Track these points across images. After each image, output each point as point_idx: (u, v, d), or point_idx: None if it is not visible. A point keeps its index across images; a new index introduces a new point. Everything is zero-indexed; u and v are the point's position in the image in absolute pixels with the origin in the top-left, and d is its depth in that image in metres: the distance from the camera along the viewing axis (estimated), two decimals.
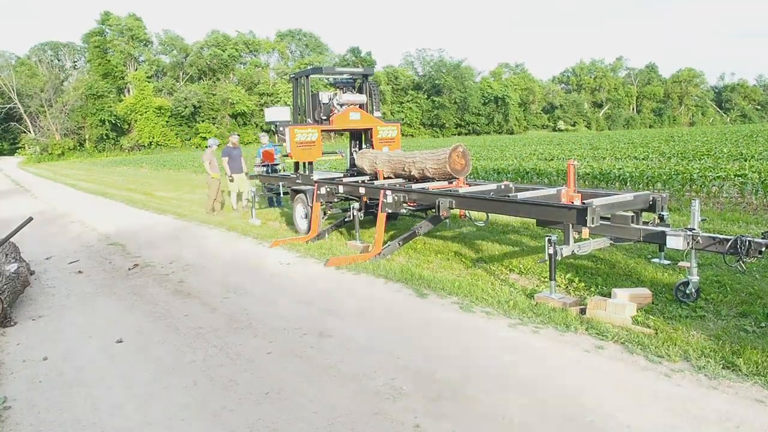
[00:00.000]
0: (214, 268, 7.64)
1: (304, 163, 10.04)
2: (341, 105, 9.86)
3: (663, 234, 5.15)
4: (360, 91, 10.27)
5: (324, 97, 9.83)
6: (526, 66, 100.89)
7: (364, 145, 10.29)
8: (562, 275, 6.13)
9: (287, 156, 9.93)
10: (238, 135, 14.45)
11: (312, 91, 9.90)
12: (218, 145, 13.22)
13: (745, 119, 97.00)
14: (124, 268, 7.84)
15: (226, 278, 7.03)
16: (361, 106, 10.05)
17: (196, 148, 63.77)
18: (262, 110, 71.21)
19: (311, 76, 9.95)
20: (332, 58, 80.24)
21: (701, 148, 21.35)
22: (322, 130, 9.70)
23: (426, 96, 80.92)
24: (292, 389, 3.92)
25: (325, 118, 9.76)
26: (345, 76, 10.25)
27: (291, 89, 10.50)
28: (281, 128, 9.66)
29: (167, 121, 66.86)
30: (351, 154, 10.52)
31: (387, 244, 7.65)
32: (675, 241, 5.01)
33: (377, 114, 10.10)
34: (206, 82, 70.71)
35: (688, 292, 5.08)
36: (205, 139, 65.41)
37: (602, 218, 5.55)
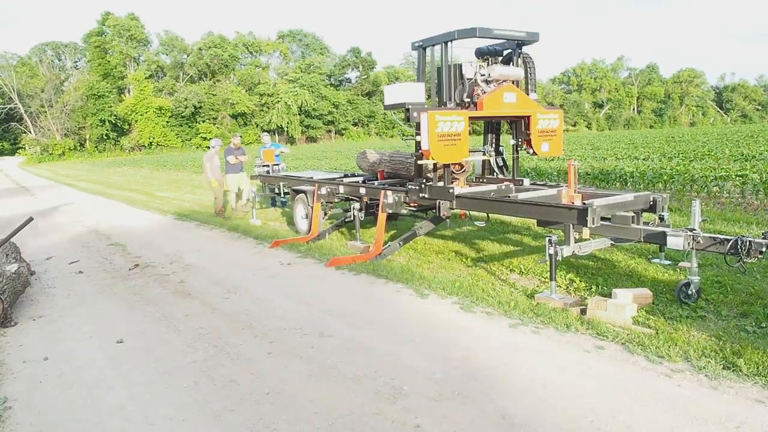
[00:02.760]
0: (214, 268, 7.64)
1: (435, 167, 7.21)
2: (488, 82, 7.04)
3: (663, 234, 5.16)
4: (509, 63, 7.38)
5: (468, 70, 7.00)
6: None
7: (516, 140, 7.43)
8: (563, 275, 6.13)
9: (421, 155, 6.93)
10: (240, 136, 14.26)
11: (455, 63, 7.10)
12: (221, 146, 12.97)
13: (745, 119, 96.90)
14: (124, 269, 7.84)
15: (226, 278, 7.03)
16: (516, 83, 7.26)
17: (197, 148, 63.79)
18: (262, 110, 71.50)
19: (457, 41, 6.81)
20: (333, 59, 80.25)
21: (702, 149, 21.35)
22: (470, 117, 6.86)
23: (426, 96, 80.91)
24: (293, 389, 3.92)
25: (468, 99, 7.03)
26: (502, 40, 7.23)
27: (416, 61, 7.47)
28: (414, 113, 6.69)
29: (167, 122, 66.89)
30: (497, 153, 7.83)
31: (387, 245, 7.65)
32: (675, 242, 5.02)
33: (533, 96, 7.25)
34: (206, 83, 70.73)
35: (689, 292, 5.08)
36: (205, 139, 65.61)
37: (603, 218, 5.55)
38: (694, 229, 5.00)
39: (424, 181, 7.24)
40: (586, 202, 5.53)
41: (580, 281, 5.98)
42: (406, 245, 7.74)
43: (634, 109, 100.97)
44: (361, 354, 4.48)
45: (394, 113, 7.62)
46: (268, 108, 71.26)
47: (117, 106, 65.12)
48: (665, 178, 11.76)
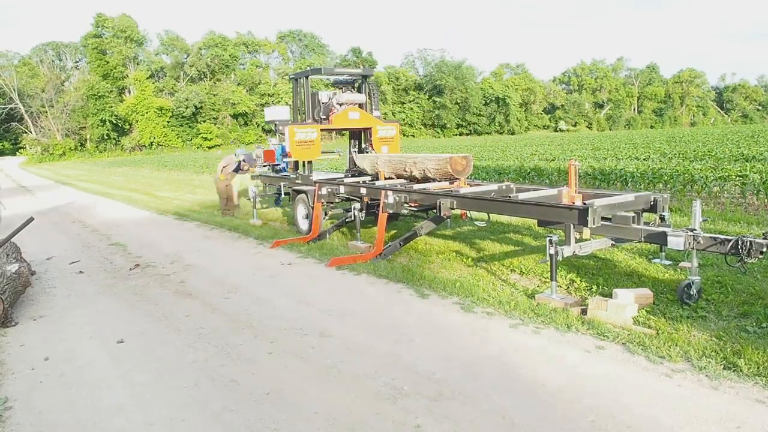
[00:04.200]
0: (215, 268, 7.65)
1: (303, 163, 10.00)
2: (340, 104, 9.79)
3: (664, 234, 5.15)
4: (359, 90, 10.23)
5: (323, 96, 9.78)
6: (527, 66, 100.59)
7: (363, 145, 10.23)
8: (563, 275, 6.13)
9: (286, 155, 9.82)
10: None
11: (312, 91, 9.89)
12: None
13: (746, 120, 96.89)
14: (125, 269, 7.85)
15: (227, 278, 7.03)
16: (360, 105, 9.98)
17: (197, 148, 63.84)
18: (263, 110, 71.50)
19: (311, 77, 9.95)
20: (333, 59, 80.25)
21: (702, 149, 21.32)
22: (321, 129, 9.65)
23: (427, 96, 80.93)
24: (293, 389, 3.92)
25: (324, 117, 9.71)
26: (344, 76, 10.21)
27: (292, 89, 10.63)
28: (281, 127, 9.79)
29: (168, 122, 66.91)
30: (350, 153, 10.55)
31: (388, 245, 7.65)
32: (676, 242, 5.02)
33: (376, 114, 10.07)
34: (207, 83, 70.75)
35: (691, 293, 5.08)
36: (206, 139, 65.73)
37: (603, 219, 5.55)
38: (695, 229, 4.99)
39: (300, 172, 10.16)
40: (586, 202, 5.53)
41: (581, 281, 5.98)
42: (406, 245, 7.74)
43: (634, 110, 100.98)
44: (362, 354, 4.48)
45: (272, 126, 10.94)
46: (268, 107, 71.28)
47: (117, 106, 65.16)
48: (666, 178, 11.75)
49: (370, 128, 9.86)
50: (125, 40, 67.35)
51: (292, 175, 10.34)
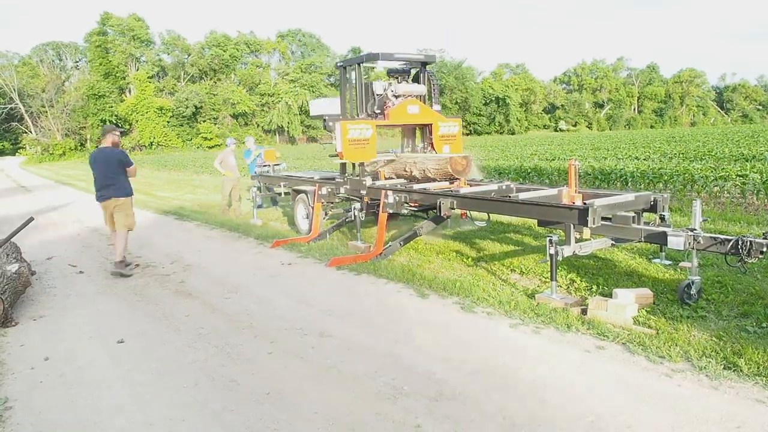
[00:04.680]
0: (215, 268, 7.65)
1: (353, 165, 8.80)
2: (396, 96, 8.53)
3: (664, 234, 5.15)
4: (416, 80, 8.99)
5: (378, 87, 8.53)
6: (527, 66, 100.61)
7: (420, 144, 9.01)
8: (563, 275, 6.13)
9: (336, 155, 8.45)
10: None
11: (365, 81, 8.63)
12: (236, 145, 12.90)
13: (746, 120, 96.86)
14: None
15: (227, 278, 7.03)
16: (419, 98, 8.80)
17: (197, 148, 63.85)
18: (263, 110, 71.56)
19: (365, 64, 8.53)
20: (333, 58, 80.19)
21: (702, 149, 21.32)
22: (377, 126, 8.47)
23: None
24: (293, 389, 3.92)
25: (378, 111, 8.51)
26: (402, 64, 8.81)
27: (339, 78, 9.10)
28: (330, 123, 8.34)
29: (168, 122, 66.96)
30: (411, 152, 9.22)
31: (388, 245, 7.65)
32: (676, 242, 5.01)
33: (436, 108, 8.84)
34: (207, 83, 70.76)
35: (691, 293, 5.08)
36: (206, 139, 65.70)
37: (603, 218, 5.55)
38: (695, 229, 4.99)
39: (347, 175, 8.93)
40: (586, 202, 5.53)
41: (581, 281, 5.97)
42: (406, 245, 7.74)
43: (634, 109, 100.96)
44: (362, 354, 4.47)
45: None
46: (268, 108, 71.31)
47: (118, 106, 65.22)
48: (666, 178, 11.74)
49: (430, 125, 8.69)
50: (131, 39, 67.37)
51: (339, 179, 9.08)
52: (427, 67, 8.85)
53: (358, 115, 8.51)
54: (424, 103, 8.84)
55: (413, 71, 9.01)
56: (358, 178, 8.48)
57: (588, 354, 4.25)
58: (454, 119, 8.89)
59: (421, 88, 8.71)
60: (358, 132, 8.14)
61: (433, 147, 8.63)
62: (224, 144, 13.11)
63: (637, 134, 53.34)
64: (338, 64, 8.89)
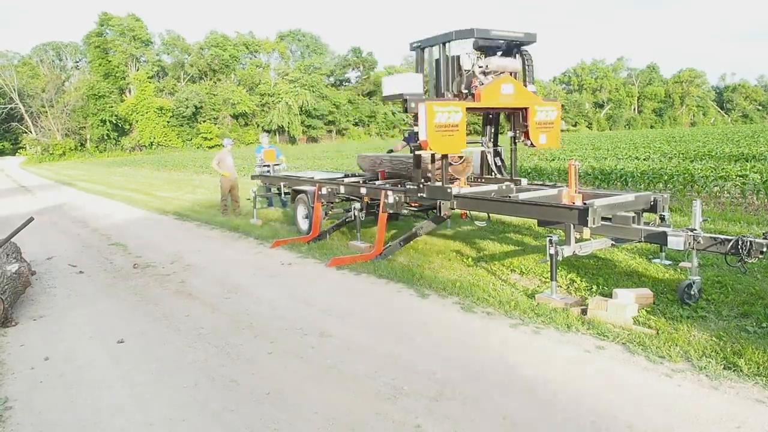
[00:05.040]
0: (215, 268, 7.64)
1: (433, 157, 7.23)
2: (486, 74, 6.99)
3: (664, 234, 5.15)
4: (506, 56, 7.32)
5: (466, 61, 6.93)
6: None
7: (511, 132, 7.44)
8: (563, 275, 6.13)
9: (419, 146, 6.87)
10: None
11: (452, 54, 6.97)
12: (232, 146, 12.84)
13: (746, 120, 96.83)
14: (125, 269, 7.84)
15: (227, 278, 7.03)
16: (514, 75, 7.18)
17: (197, 148, 63.81)
18: (263, 110, 71.52)
19: (454, 41, 6.88)
20: (333, 59, 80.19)
21: (702, 149, 21.31)
22: (467, 108, 6.84)
23: (425, 90, 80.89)
24: (293, 389, 3.92)
25: (466, 91, 6.96)
26: (499, 42, 7.20)
27: (415, 59, 7.35)
28: (412, 104, 6.76)
29: (168, 122, 66.92)
30: (495, 152, 7.76)
31: (388, 245, 7.65)
32: (676, 242, 5.02)
33: (531, 88, 7.23)
34: (207, 83, 70.75)
35: (692, 293, 5.08)
36: (206, 139, 65.67)
37: (603, 219, 5.55)
38: (695, 229, 4.99)
39: (423, 180, 7.25)
40: (586, 202, 5.53)
41: (581, 281, 5.97)
42: (406, 245, 7.74)
43: (634, 109, 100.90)
44: (362, 354, 4.47)
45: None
46: (269, 108, 71.31)
47: (118, 106, 65.18)
48: (666, 178, 11.75)
49: (526, 109, 7.11)
50: (131, 39, 67.36)
51: (411, 186, 7.47)
52: (522, 46, 7.29)
53: (444, 96, 6.94)
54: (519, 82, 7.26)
55: (508, 49, 7.36)
56: (440, 184, 6.99)
57: (588, 354, 4.25)
58: (552, 103, 7.40)
59: (516, 63, 7.19)
60: (447, 116, 6.57)
61: (527, 136, 7.16)
62: (222, 144, 13.08)
63: (637, 134, 53.33)
64: (414, 45, 7.29)
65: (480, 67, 6.96)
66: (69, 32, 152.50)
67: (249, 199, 11.69)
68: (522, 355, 4.29)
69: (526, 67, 7.23)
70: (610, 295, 5.23)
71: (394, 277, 6.58)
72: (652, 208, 5.97)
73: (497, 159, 7.77)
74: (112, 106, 64.60)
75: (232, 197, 12.43)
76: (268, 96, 71.06)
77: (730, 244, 4.70)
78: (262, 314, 5.59)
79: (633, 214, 5.77)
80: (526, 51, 7.27)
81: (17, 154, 66.70)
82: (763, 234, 4.71)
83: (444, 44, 6.85)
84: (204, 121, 68.03)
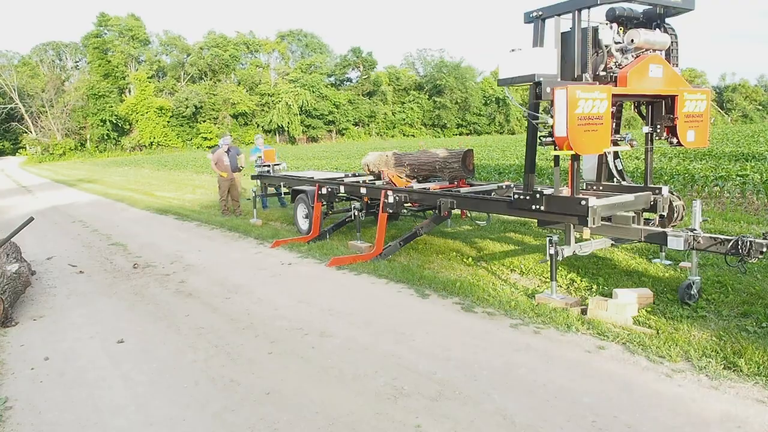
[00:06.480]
0: (215, 268, 7.64)
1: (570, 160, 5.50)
2: (624, 51, 5.49)
3: (664, 234, 5.16)
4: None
5: (606, 35, 5.37)
6: None
7: (651, 127, 5.95)
8: (563, 275, 6.13)
9: (554, 144, 5.18)
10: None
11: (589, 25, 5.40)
12: (229, 144, 12.78)
13: (746, 120, 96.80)
14: (125, 269, 7.84)
15: (227, 278, 7.03)
16: (663, 53, 5.78)
17: (197, 148, 63.79)
18: (263, 110, 71.47)
19: (594, 7, 5.32)
20: (333, 58, 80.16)
21: (702, 149, 21.31)
22: (613, 95, 5.28)
23: (427, 96, 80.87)
24: (294, 389, 3.92)
25: (604, 73, 5.44)
26: (647, 7, 5.74)
27: (534, 32, 5.70)
28: (547, 89, 5.12)
29: (168, 122, 66.90)
30: (615, 154, 6.31)
31: (388, 245, 7.65)
32: (676, 242, 5.02)
33: (677, 71, 5.85)
34: (207, 83, 70.73)
35: (692, 293, 5.08)
36: (206, 139, 65.65)
37: (603, 219, 5.54)
38: (695, 229, 5.00)
39: (540, 190, 5.68)
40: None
41: (581, 281, 5.98)
42: (406, 245, 7.74)
43: (634, 109, 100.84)
44: (362, 354, 4.48)
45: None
46: (268, 108, 71.28)
47: (118, 106, 65.15)
48: (666, 178, 11.75)
49: (674, 97, 5.64)
50: (130, 39, 67.34)
51: (518, 193, 5.93)
52: (665, 18, 5.83)
53: (581, 78, 5.35)
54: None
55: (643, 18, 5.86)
56: (568, 195, 5.56)
57: (588, 354, 4.25)
58: (702, 90, 6.05)
59: (665, 39, 5.69)
60: (591, 104, 5.04)
61: (670, 131, 5.75)
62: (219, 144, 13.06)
63: (636, 134, 53.30)
64: (533, 14, 5.64)
65: (617, 43, 5.47)
66: (69, 32, 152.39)
67: (249, 199, 11.70)
68: (522, 355, 4.29)
69: (672, 48, 5.85)
70: (610, 295, 5.23)
71: (394, 277, 6.58)
72: (652, 208, 5.97)
73: (617, 161, 6.36)
74: (112, 106, 64.58)
75: (232, 197, 12.43)
76: (268, 96, 71.02)
77: (730, 244, 4.70)
78: (263, 314, 5.59)
79: (633, 214, 5.77)
80: (671, 26, 5.89)
81: (17, 154, 66.67)
82: (763, 234, 4.71)
83: (578, 11, 5.30)
84: (204, 121, 68.00)
